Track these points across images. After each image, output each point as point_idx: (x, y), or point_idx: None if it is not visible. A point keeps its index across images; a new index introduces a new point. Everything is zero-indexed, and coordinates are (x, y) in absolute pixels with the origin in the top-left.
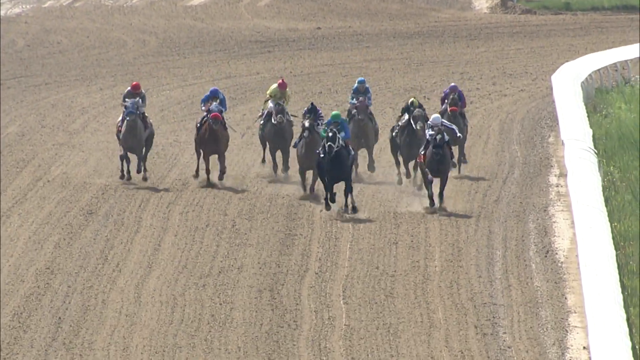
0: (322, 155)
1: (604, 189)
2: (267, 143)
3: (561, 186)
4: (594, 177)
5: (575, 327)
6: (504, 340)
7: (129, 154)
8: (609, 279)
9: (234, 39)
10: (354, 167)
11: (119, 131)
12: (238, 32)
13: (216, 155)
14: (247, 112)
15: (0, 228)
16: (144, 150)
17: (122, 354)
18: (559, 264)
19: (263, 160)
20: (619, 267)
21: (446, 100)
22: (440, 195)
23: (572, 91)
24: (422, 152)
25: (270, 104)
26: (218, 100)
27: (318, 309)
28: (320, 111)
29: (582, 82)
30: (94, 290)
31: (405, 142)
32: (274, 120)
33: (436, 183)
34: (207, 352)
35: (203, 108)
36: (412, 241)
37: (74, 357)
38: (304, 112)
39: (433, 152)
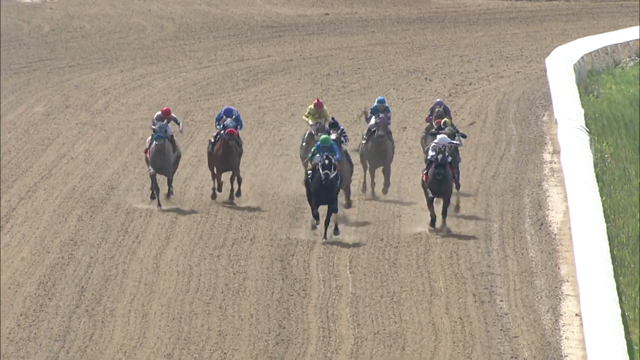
0: (310, 177)
1: (595, 165)
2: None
3: (555, 162)
4: (586, 153)
5: (568, 295)
6: (501, 308)
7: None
8: (600, 250)
9: (247, 24)
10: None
11: (147, 154)
12: (250, 18)
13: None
14: (259, 93)
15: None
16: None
17: (142, 321)
18: (553, 236)
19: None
20: (609, 239)
21: (430, 117)
22: (444, 214)
23: (565, 73)
24: (424, 172)
25: (310, 122)
26: (233, 118)
27: (326, 279)
28: (342, 128)
29: (575, 64)
30: (115, 260)
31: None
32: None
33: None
34: (222, 319)
35: (218, 127)
36: (414, 214)
37: (96, 324)
38: (325, 130)
39: (435, 173)
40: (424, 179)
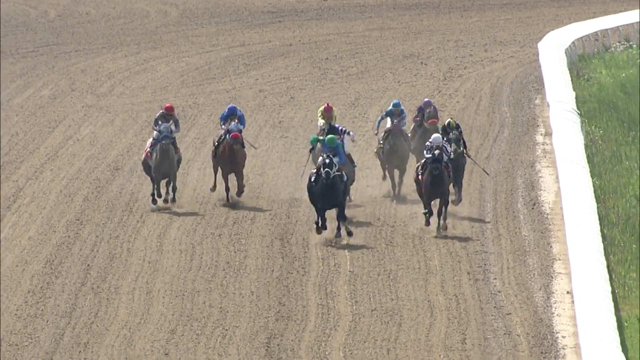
0: (313, 181)
1: (586, 146)
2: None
3: (547, 144)
4: (577, 136)
5: (560, 273)
6: (495, 285)
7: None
8: (591, 230)
9: (248, 10)
10: (350, 190)
11: (147, 157)
12: (251, 4)
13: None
14: (259, 77)
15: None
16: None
17: (146, 298)
18: (545, 216)
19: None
20: (600, 219)
21: (418, 118)
22: (442, 216)
23: (556, 57)
24: (420, 173)
25: (320, 123)
26: (237, 119)
27: (324, 257)
28: (340, 127)
29: (566, 49)
30: (120, 239)
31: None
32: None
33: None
34: (223, 296)
35: (223, 126)
36: (410, 195)
37: (102, 301)
38: (325, 132)
39: (432, 167)
40: (420, 179)
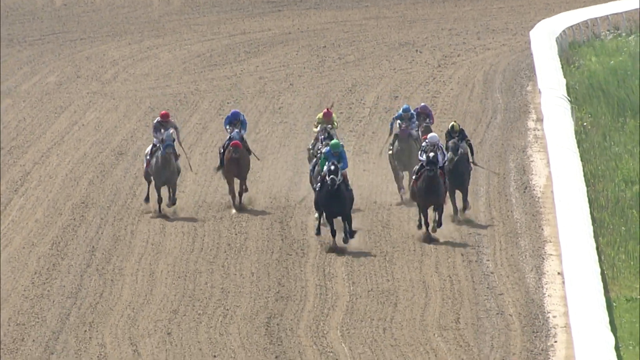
0: (319, 188)
1: (576, 132)
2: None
3: (538, 130)
4: (568, 121)
5: (551, 255)
6: (487, 267)
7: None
8: (581, 212)
9: None
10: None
11: (147, 165)
12: None
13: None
14: (260, 64)
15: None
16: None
17: (149, 279)
18: (536, 199)
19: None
20: (590, 202)
21: (419, 128)
22: (437, 223)
23: (548, 45)
24: (415, 177)
25: (316, 130)
26: (239, 124)
27: (323, 239)
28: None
29: (557, 37)
30: (124, 222)
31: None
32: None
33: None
34: (224, 277)
35: (228, 129)
36: (406, 178)
37: (106, 282)
38: (321, 138)
39: (427, 169)
40: (414, 185)
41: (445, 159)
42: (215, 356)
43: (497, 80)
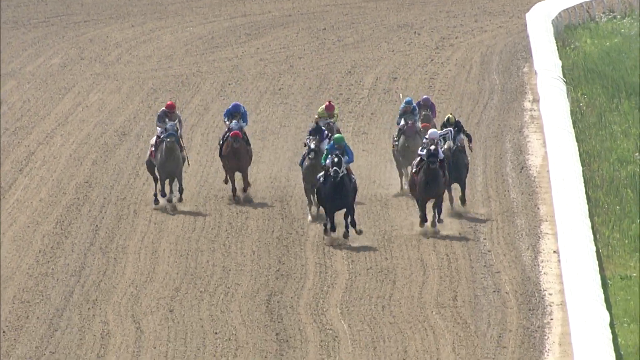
0: (322, 181)
1: (572, 112)
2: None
3: (534, 110)
4: (563, 102)
5: (547, 233)
6: (484, 245)
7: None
8: (576, 192)
9: None
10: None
11: (152, 156)
12: None
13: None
14: (260, 46)
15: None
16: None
17: (151, 257)
18: (533, 179)
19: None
20: (585, 182)
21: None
22: (438, 219)
23: (544, 27)
24: (414, 170)
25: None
26: (239, 116)
27: (322, 218)
28: (325, 131)
29: (553, 19)
30: (127, 201)
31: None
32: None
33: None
34: (226, 256)
35: (227, 122)
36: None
37: (109, 260)
38: (308, 132)
39: (427, 162)
40: (414, 178)
41: (442, 149)
42: (216, 333)
43: (494, 61)
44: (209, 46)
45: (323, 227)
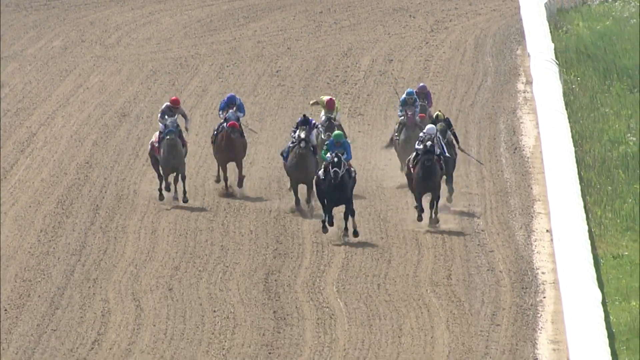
0: (322, 178)
1: (564, 94)
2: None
3: (527, 92)
4: (556, 84)
5: (540, 213)
6: (478, 225)
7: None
8: (569, 172)
9: None
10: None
11: (153, 149)
12: None
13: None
14: (258, 29)
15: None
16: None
17: (151, 236)
18: (526, 159)
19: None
20: (577, 162)
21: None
22: (434, 210)
23: (537, 11)
24: (412, 165)
25: (322, 116)
26: (235, 107)
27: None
28: (313, 121)
29: (546, 2)
30: (127, 181)
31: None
32: (324, 136)
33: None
34: (224, 235)
35: (221, 115)
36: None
37: (109, 239)
38: (297, 123)
39: (423, 159)
40: (412, 171)
41: (454, 155)
42: (215, 311)
43: (488, 44)
44: (208, 29)
45: (321, 224)
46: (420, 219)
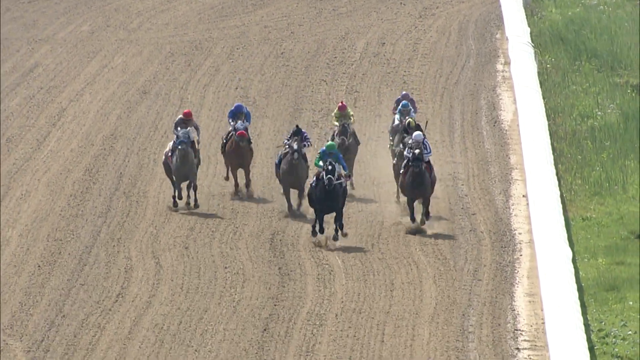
0: (315, 186)
1: (539, 74)
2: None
3: (506, 72)
4: (531, 64)
5: (517, 180)
6: (462, 190)
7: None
8: (543, 143)
9: None
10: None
11: (167, 159)
12: None
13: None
14: (264, 14)
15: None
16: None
17: (170, 200)
18: (504, 132)
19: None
20: (550, 134)
21: (396, 112)
22: (425, 214)
23: None
24: (402, 171)
25: (335, 123)
26: (244, 117)
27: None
28: (305, 133)
29: None
30: (147, 152)
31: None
32: (338, 139)
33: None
34: (234, 199)
35: (231, 123)
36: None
37: (132, 203)
38: (290, 133)
39: (412, 166)
40: (402, 180)
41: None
42: (226, 267)
43: (470, 29)
44: (220, 15)
45: (311, 229)
46: (413, 220)
